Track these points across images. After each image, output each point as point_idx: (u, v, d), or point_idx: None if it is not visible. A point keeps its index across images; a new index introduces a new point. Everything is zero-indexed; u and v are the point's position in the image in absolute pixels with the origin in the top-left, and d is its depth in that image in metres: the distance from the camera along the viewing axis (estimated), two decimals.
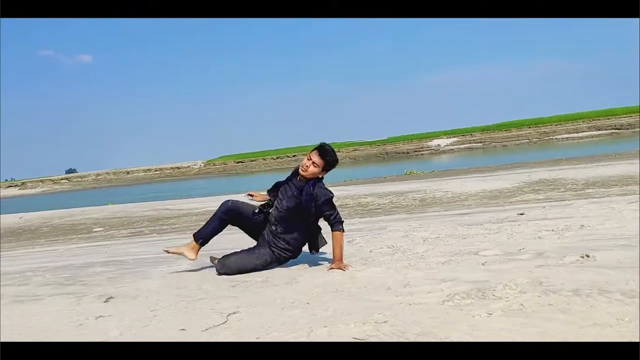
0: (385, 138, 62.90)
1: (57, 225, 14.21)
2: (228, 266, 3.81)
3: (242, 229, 4.16)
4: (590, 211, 5.97)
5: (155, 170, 70.35)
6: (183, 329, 2.53)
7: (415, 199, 10.91)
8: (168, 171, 69.01)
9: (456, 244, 4.36)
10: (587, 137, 50.27)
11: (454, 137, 57.81)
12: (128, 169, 73.93)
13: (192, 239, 4.06)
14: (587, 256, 3.37)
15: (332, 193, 3.90)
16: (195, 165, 69.32)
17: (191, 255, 3.98)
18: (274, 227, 3.89)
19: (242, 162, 65.36)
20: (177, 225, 11.05)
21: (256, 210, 3.98)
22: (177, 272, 4.16)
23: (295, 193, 3.84)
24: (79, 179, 73.94)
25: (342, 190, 13.89)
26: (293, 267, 3.91)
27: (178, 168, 69.26)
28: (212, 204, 15.73)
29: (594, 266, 3.13)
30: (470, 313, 2.44)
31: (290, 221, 3.85)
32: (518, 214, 6.22)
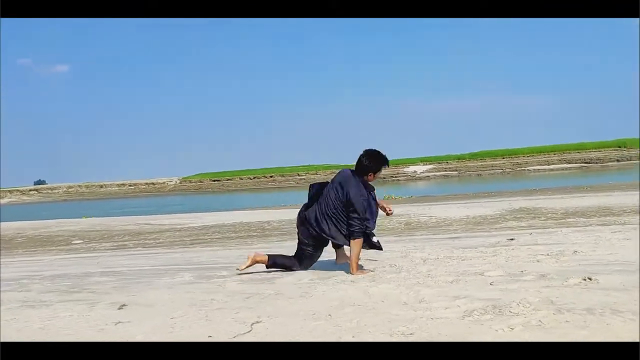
0: None
1: (33, 236, 13.88)
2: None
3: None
4: (577, 238, 6.16)
5: (130, 185, 69.19)
6: (210, 336, 2.54)
7: (401, 223, 11.05)
8: (143, 186, 67.95)
9: (457, 265, 4.46)
10: (557, 169, 51.66)
11: (430, 164, 58.66)
12: (101, 183, 72.48)
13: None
14: (590, 279, 3.50)
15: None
16: (170, 181, 68.45)
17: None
18: None
19: (218, 181, 64.86)
20: (161, 240, 10.93)
21: None
22: (182, 283, 4.15)
23: None
24: (49, 191, 72.16)
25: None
26: (302, 280, 3.95)
27: (153, 184, 68.26)
28: (194, 221, 15.59)
29: (599, 288, 3.26)
30: (492, 327, 2.53)
31: None
32: (508, 239, 6.38)
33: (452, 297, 3.16)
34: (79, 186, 72.20)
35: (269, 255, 4.45)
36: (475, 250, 5.46)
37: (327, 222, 4.17)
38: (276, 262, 4.43)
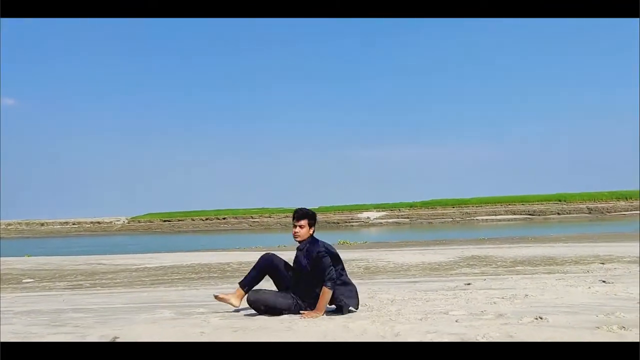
0: (316, 207, 63.90)
1: None
2: (263, 299, 4.26)
3: (274, 280, 4.62)
4: (527, 284, 6.69)
5: (74, 224, 66.70)
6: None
7: (360, 267, 11.40)
8: (88, 225, 65.66)
9: (423, 305, 4.82)
10: (504, 220, 53.90)
11: (382, 210, 59.86)
12: (42, 221, 69.52)
13: (238, 286, 4.50)
14: (541, 318, 3.93)
15: (326, 249, 4.37)
16: (118, 221, 66.51)
17: (236, 302, 4.45)
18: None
19: (169, 221, 63.56)
20: (118, 280, 10.79)
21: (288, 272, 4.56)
22: (164, 319, 4.30)
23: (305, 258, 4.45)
24: None
25: (279, 256, 14.17)
26: (284, 316, 4.19)
27: (99, 223, 66.08)
28: (150, 261, 15.39)
29: (549, 326, 3.68)
30: None
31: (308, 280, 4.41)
32: (466, 284, 6.83)
33: (424, 332, 3.50)
34: (19, 223, 68.99)
35: None
36: (436, 292, 5.86)
37: None
38: None
